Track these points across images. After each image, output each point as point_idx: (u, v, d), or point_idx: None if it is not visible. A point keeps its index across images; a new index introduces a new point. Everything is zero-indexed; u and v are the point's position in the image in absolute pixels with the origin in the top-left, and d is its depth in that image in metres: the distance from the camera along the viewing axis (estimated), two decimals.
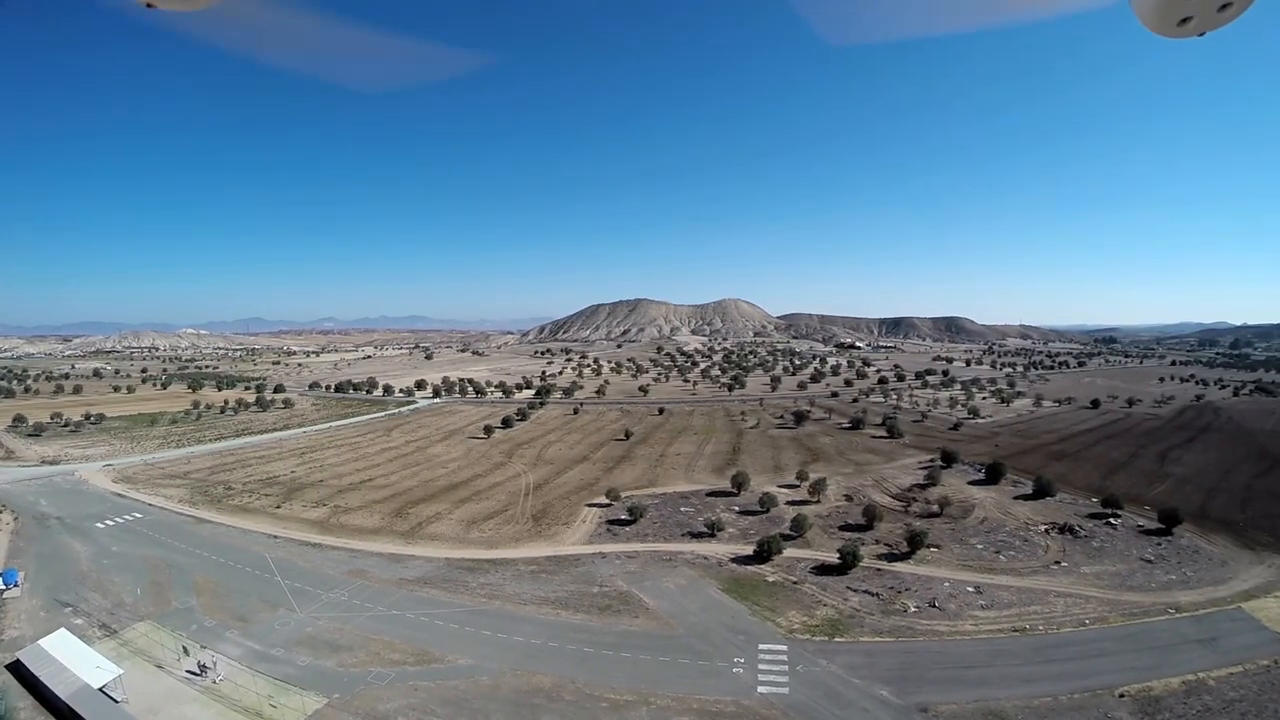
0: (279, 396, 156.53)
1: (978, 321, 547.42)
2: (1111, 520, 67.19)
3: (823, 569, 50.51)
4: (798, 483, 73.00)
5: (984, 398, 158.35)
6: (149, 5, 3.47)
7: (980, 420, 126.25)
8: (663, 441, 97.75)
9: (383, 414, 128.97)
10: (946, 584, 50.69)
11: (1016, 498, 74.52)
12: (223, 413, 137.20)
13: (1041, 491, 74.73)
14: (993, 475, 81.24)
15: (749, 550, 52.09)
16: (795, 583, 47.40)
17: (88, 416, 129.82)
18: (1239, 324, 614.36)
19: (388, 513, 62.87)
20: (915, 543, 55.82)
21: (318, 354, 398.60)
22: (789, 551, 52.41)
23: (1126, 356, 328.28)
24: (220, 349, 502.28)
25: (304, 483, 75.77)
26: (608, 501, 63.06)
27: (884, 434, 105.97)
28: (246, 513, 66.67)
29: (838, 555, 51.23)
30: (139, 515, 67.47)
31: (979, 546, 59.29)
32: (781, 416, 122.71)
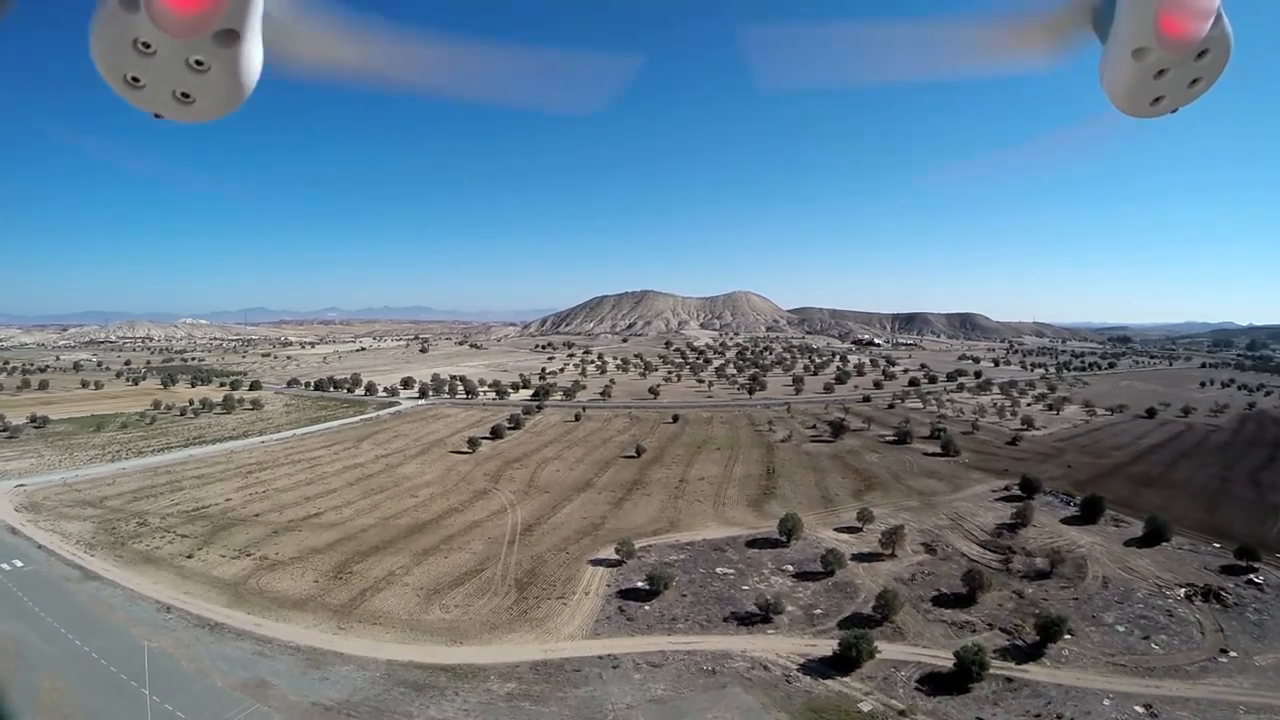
0: (249, 396, 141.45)
1: (992, 318, 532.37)
2: (1253, 578, 52.39)
3: (934, 681, 34.92)
4: (859, 524, 57.36)
5: (1028, 404, 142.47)
6: (157, 116, 3.35)
7: (1037, 432, 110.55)
8: (681, 460, 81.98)
9: (358, 418, 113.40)
10: (1107, 702, 35.44)
11: (1127, 544, 59.41)
12: (182, 415, 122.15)
13: (1155, 535, 59.53)
14: (1089, 511, 65.67)
15: (825, 648, 36.44)
16: (903, 714, 31.76)
17: (32, 419, 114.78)
18: (1246, 324, 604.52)
19: (325, 571, 47.32)
20: (1049, 633, 40.20)
21: (314, 345, 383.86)
22: (879, 647, 36.73)
23: (1152, 358, 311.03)
24: (216, 340, 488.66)
25: (235, 518, 60.36)
26: (618, 558, 47.32)
27: (938, 450, 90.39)
28: (149, 563, 51.40)
29: (953, 660, 35.61)
30: (19, 564, 52.41)
31: (1120, 629, 43.95)
32: (814, 426, 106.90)
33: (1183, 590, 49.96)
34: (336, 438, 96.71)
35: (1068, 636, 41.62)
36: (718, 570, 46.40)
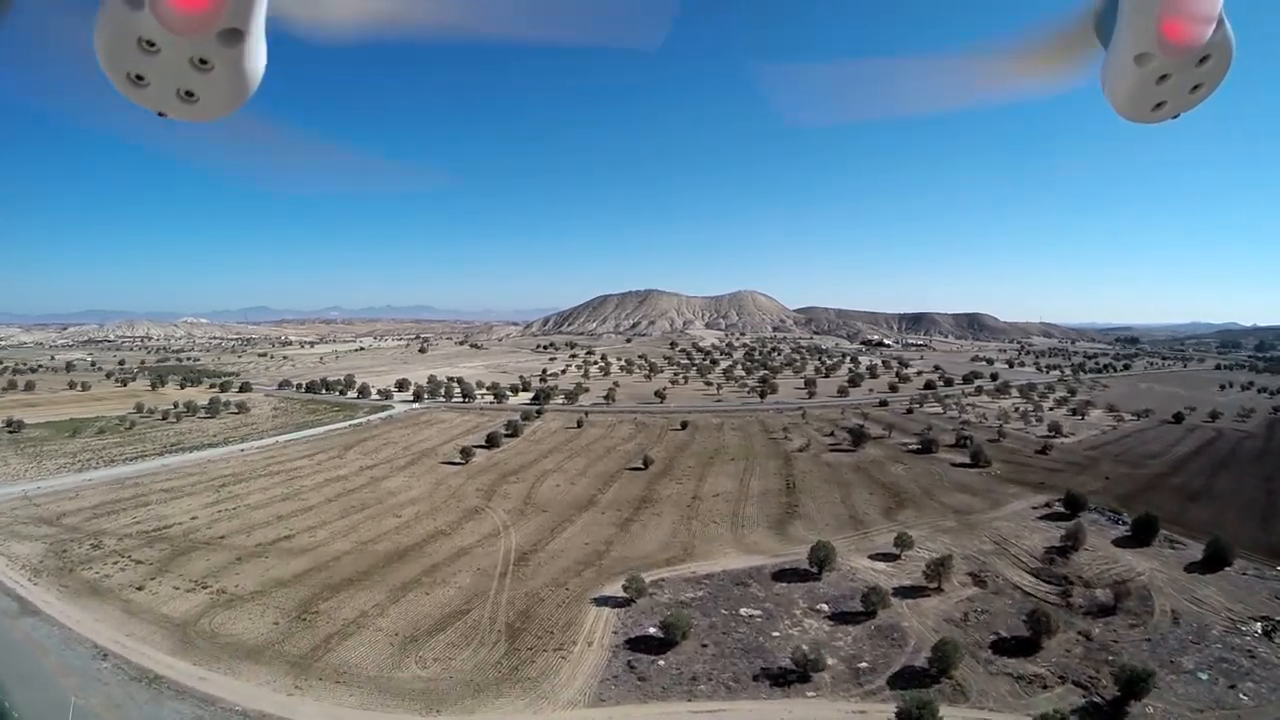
0: (236, 399, 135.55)
1: (999, 319, 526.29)
2: None
3: None
4: (896, 550, 50.92)
5: (1051, 408, 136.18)
6: (161, 114, 3.31)
7: (1065, 440, 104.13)
8: (693, 473, 75.57)
9: (347, 424, 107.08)
10: None
11: (1189, 569, 53.48)
12: (164, 419, 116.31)
13: (1217, 559, 53.67)
14: (1142, 532, 59.59)
15: (877, 715, 30.11)
16: None
17: (7, 423, 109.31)
18: (1250, 325, 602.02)
19: (288, 609, 41.04)
20: (1134, 688, 34.00)
21: (314, 344, 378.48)
22: (943, 716, 30.38)
23: (1164, 359, 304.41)
24: (216, 339, 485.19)
25: (198, 540, 54.24)
26: (626, 595, 40.84)
27: (966, 461, 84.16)
28: (94, 595, 45.41)
29: None
30: None
31: (1202, 676, 37.99)
32: (832, 433, 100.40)
33: (1259, 625, 44.34)
34: (321, 445, 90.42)
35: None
36: (742, 611, 39.94)
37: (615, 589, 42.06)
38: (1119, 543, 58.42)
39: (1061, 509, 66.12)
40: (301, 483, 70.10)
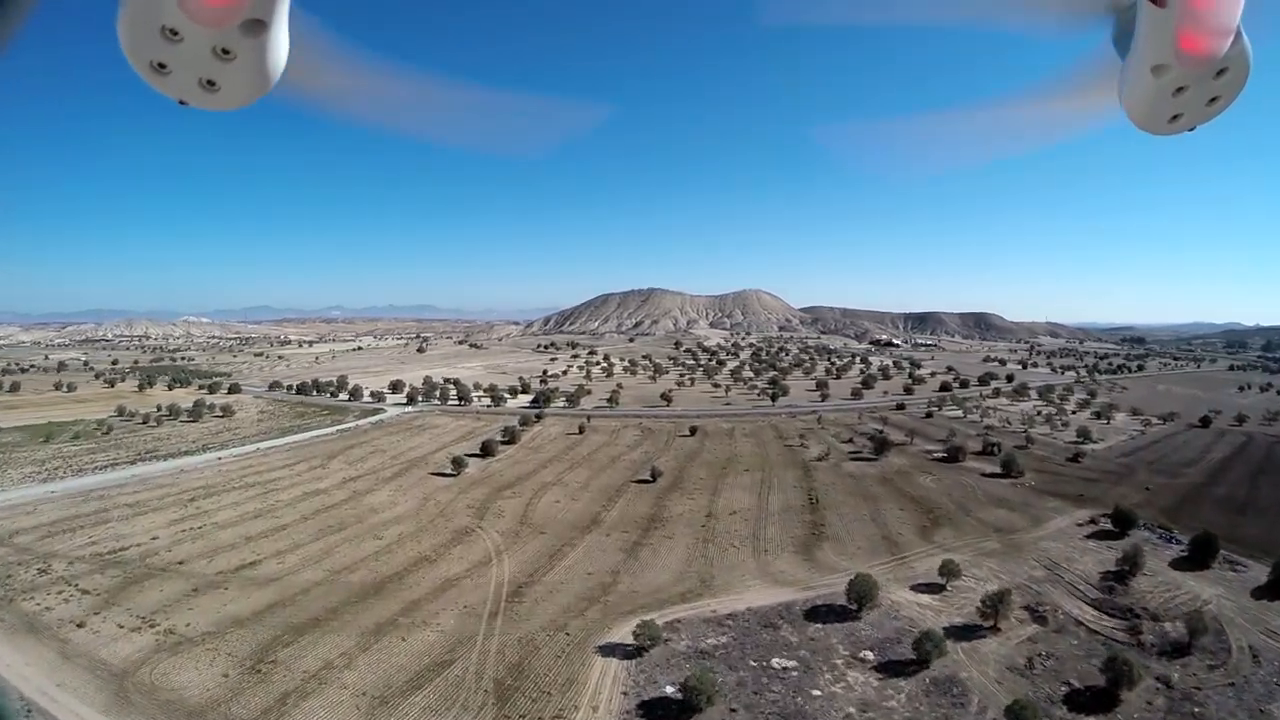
0: (222, 401, 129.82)
1: (1006, 318, 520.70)
2: None
3: None
4: (941, 580, 44.92)
5: (1073, 411, 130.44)
6: (182, 103, 3.32)
7: (1095, 446, 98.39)
8: (705, 485, 69.50)
9: (334, 429, 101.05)
10: None
11: (1255, 594, 48.06)
12: (144, 423, 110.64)
13: None
14: (1200, 553, 54.08)
15: None
16: None
17: None
18: (1254, 325, 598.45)
19: (242, 657, 35.09)
20: None
21: (312, 344, 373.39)
22: None
23: (1175, 359, 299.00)
24: (214, 338, 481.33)
25: (154, 565, 48.36)
26: (636, 644, 34.72)
27: (997, 470, 78.39)
28: (31, 633, 39.77)
29: None
30: None
31: None
32: (851, 440, 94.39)
33: None
34: (304, 453, 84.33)
35: None
36: (774, 663, 33.83)
37: (624, 634, 35.91)
38: (1176, 565, 53.04)
39: (1109, 526, 60.96)
40: (277, 497, 64.09)
